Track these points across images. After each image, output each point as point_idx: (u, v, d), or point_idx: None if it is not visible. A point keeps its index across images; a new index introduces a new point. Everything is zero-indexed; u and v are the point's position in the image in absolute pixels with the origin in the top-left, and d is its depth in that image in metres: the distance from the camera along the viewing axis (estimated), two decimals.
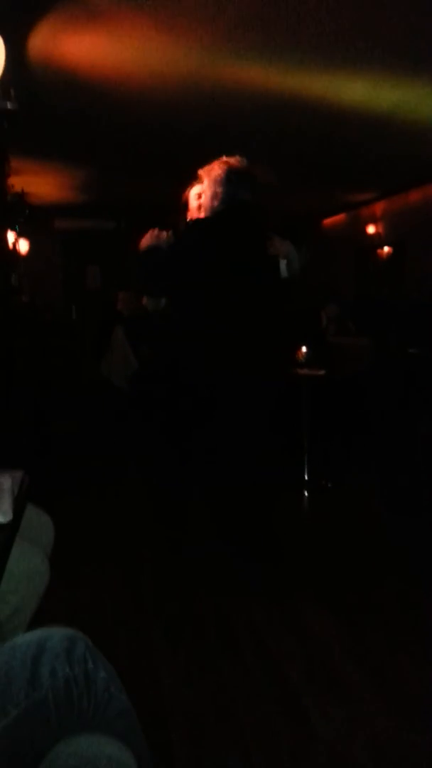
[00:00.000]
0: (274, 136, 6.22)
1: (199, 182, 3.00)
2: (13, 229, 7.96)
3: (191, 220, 3.01)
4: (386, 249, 9.53)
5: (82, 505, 3.81)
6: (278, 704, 1.97)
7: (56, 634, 1.11)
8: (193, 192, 3.07)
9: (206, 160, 3.12)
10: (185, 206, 3.10)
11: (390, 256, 9.47)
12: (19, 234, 8.56)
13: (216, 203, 2.85)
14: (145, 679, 2.08)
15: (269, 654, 2.26)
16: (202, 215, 2.93)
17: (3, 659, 1.07)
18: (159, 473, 3.70)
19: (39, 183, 8.11)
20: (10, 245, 8.07)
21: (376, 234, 9.74)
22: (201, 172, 2.95)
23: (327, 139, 6.27)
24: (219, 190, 2.86)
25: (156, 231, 2.87)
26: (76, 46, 4.11)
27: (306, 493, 4.24)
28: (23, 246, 9.07)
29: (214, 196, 2.86)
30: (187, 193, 3.11)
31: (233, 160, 2.93)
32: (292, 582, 2.85)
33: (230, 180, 2.86)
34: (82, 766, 1.00)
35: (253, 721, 1.89)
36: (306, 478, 4.33)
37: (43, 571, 1.69)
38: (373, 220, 9.79)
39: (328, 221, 11.60)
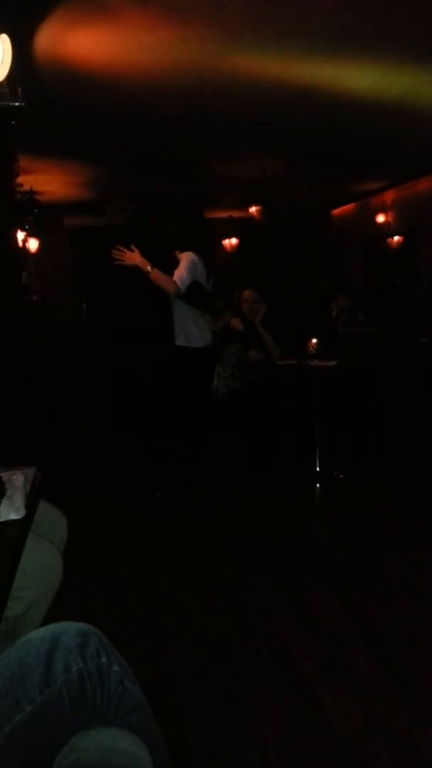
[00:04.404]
0: (283, 126, 6.19)
1: None
2: (23, 228, 7.98)
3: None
4: (396, 238, 9.47)
5: (94, 502, 3.83)
6: (292, 696, 1.97)
7: (69, 629, 1.12)
8: None
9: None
10: None
11: (400, 245, 9.41)
12: (29, 232, 8.58)
13: None
14: (159, 672, 2.09)
15: (283, 646, 2.27)
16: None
17: (17, 654, 1.08)
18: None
19: (48, 181, 8.14)
20: (20, 243, 8.10)
21: (386, 223, 9.68)
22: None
23: (336, 128, 6.23)
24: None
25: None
26: (82, 44, 4.11)
27: (318, 485, 4.23)
28: (33, 244, 9.10)
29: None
30: None
31: None
32: (305, 573, 2.86)
33: None
34: (96, 759, 1.01)
35: (268, 713, 1.90)
36: (318, 469, 4.32)
37: (56, 567, 1.71)
38: (383, 209, 9.72)
39: (337, 211, 11.53)
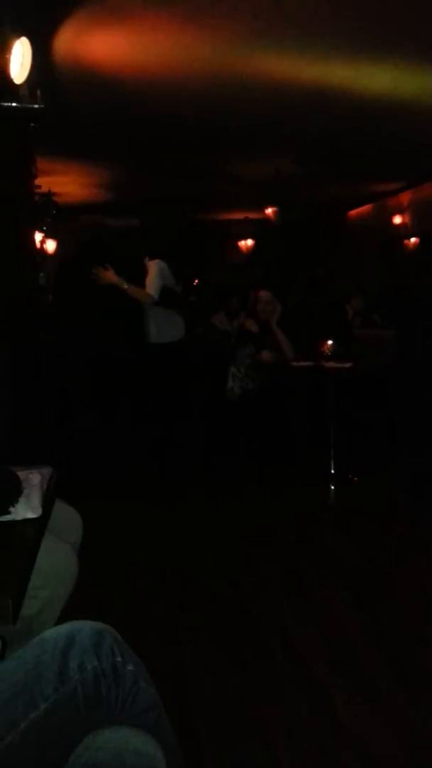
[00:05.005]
0: (300, 128, 6.17)
1: None
2: (40, 230, 8.03)
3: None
4: (413, 240, 9.40)
5: (106, 501, 3.84)
6: (303, 696, 1.97)
7: (85, 628, 1.12)
8: None
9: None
10: None
11: (417, 246, 9.34)
12: (47, 234, 8.63)
13: None
14: (173, 672, 2.10)
15: (294, 647, 2.26)
16: None
17: (33, 653, 1.09)
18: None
19: (66, 183, 8.18)
20: (38, 245, 8.14)
21: (403, 224, 9.62)
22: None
23: (352, 129, 6.20)
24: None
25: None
26: (100, 46, 4.13)
27: (332, 487, 4.22)
28: (51, 246, 9.14)
29: None
30: None
31: None
32: (317, 575, 2.85)
33: None
34: (110, 758, 1.02)
35: (279, 714, 1.89)
36: (332, 471, 4.31)
37: (72, 566, 1.72)
38: (400, 211, 9.66)
39: (353, 212, 11.48)
